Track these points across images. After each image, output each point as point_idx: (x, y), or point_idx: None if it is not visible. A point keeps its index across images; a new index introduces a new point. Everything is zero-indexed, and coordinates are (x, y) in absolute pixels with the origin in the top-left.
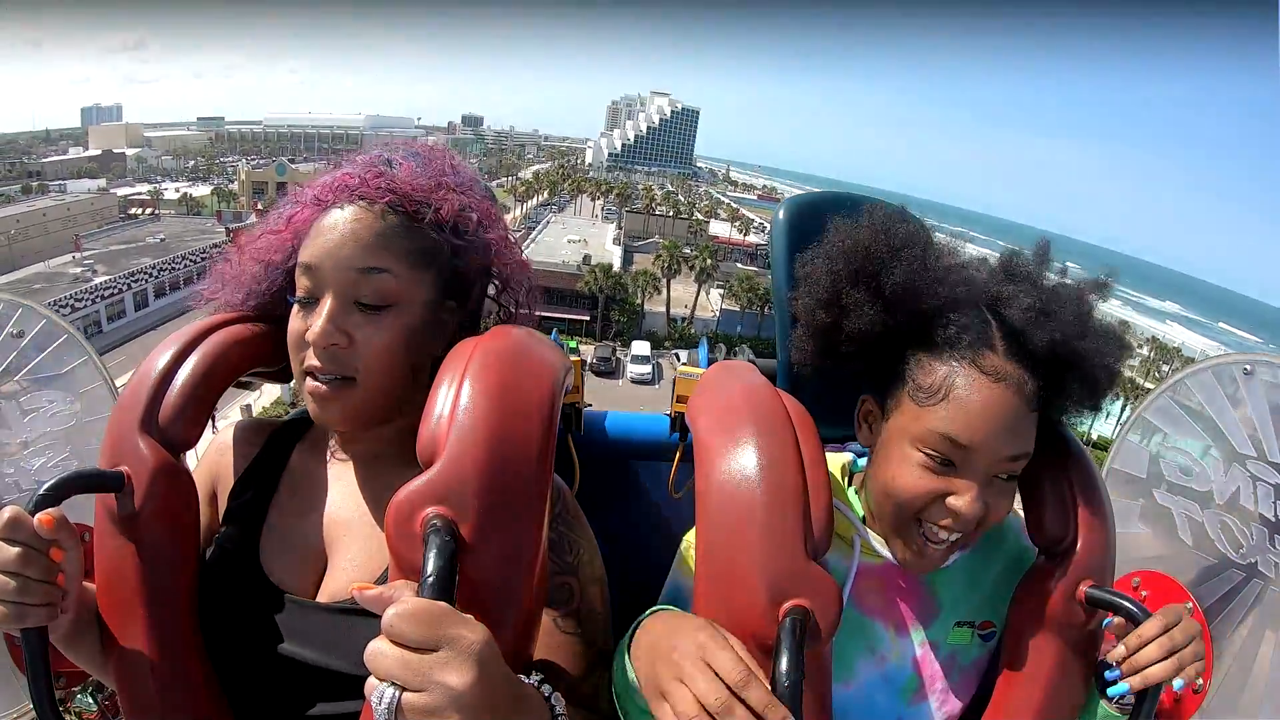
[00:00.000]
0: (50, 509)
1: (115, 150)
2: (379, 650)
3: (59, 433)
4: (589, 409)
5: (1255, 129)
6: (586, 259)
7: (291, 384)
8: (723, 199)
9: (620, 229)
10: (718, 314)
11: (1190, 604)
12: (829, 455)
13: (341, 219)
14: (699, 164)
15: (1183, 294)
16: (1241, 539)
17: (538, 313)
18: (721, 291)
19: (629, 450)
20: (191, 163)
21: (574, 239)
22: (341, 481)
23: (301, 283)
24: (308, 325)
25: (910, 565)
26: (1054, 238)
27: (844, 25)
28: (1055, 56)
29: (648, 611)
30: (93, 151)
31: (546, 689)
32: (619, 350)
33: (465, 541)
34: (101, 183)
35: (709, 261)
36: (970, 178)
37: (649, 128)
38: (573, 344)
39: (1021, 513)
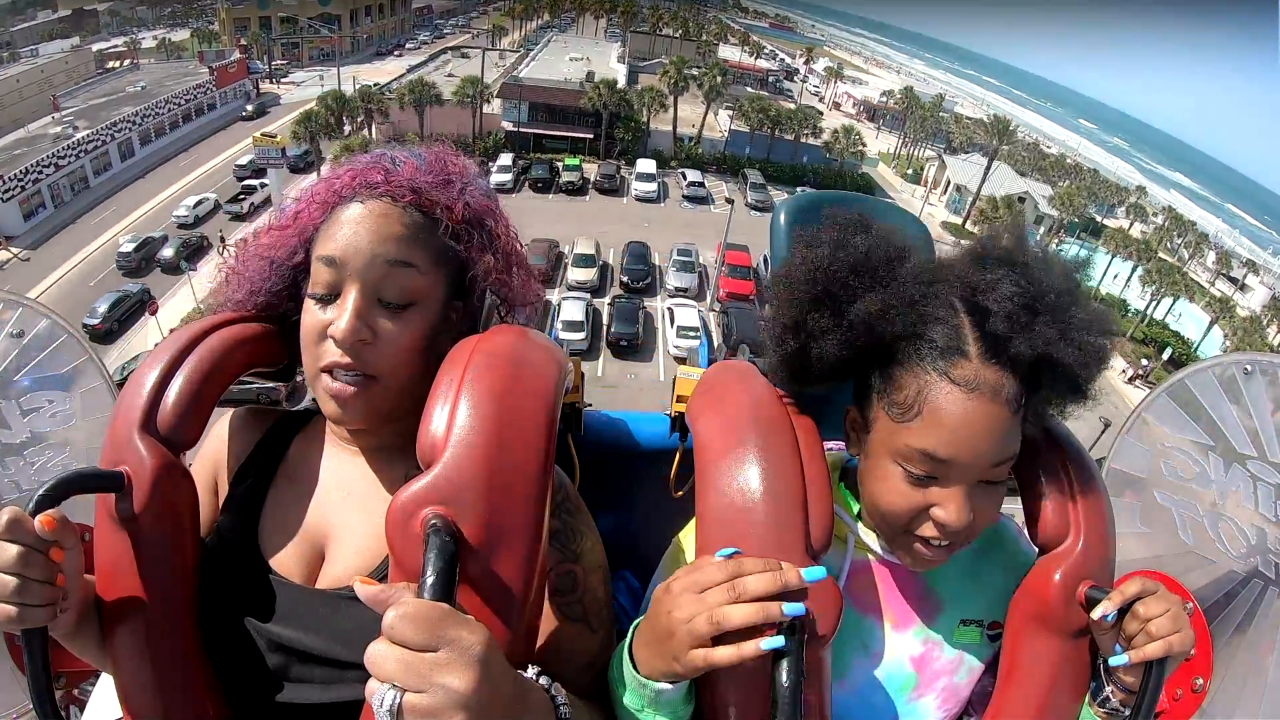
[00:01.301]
0: (50, 509)
1: (87, 8)
2: (379, 652)
3: (59, 433)
4: (589, 409)
5: None
6: (590, 76)
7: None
8: (732, 25)
9: (625, 48)
10: (726, 134)
11: (1190, 604)
12: None
13: (367, 212)
14: None
15: (1192, 168)
16: (1241, 539)
17: (536, 298)
18: (730, 112)
19: (629, 450)
20: (169, 9)
21: (576, 57)
22: (341, 470)
23: (322, 276)
24: (328, 320)
25: (917, 566)
26: (1061, 90)
27: None
28: None
29: (635, 622)
30: (63, 12)
31: (545, 681)
32: (623, 169)
33: (466, 542)
34: (75, 41)
35: (718, 79)
36: (998, 27)
37: None
38: (574, 161)
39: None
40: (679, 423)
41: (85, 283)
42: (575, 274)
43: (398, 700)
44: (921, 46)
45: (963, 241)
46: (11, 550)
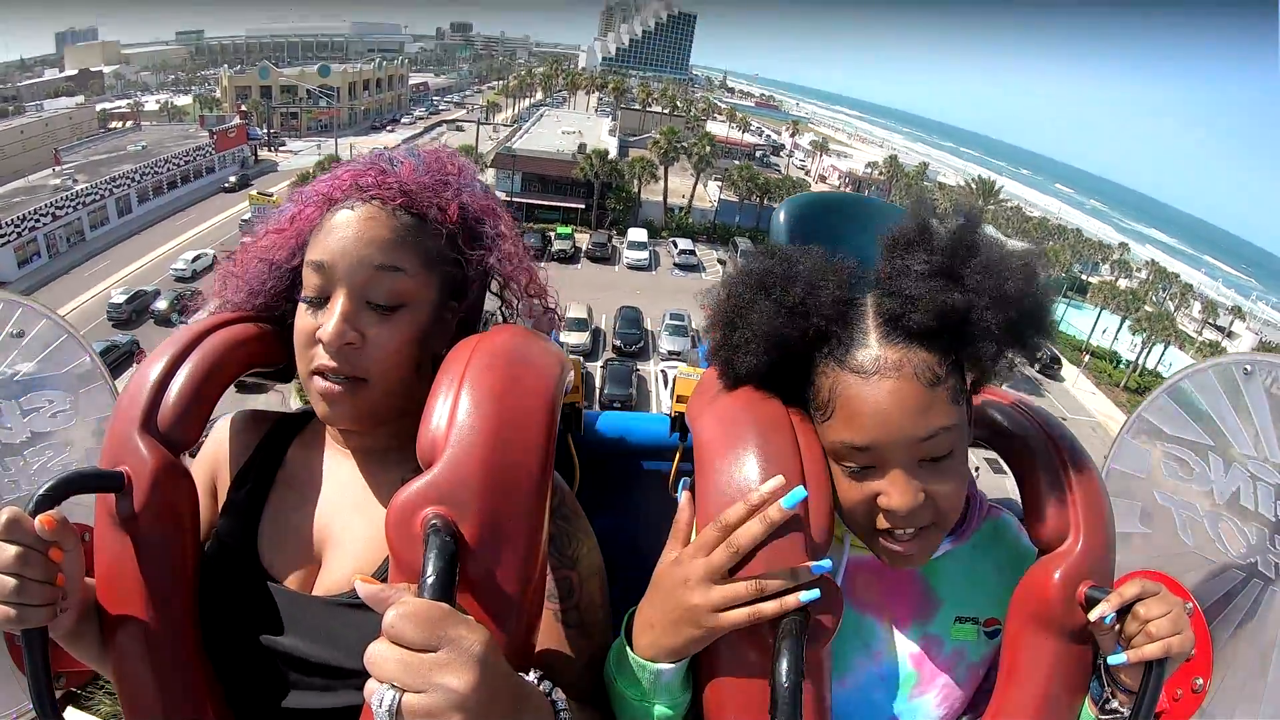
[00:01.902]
0: (50, 509)
1: (93, 69)
2: (379, 652)
3: (59, 433)
4: (589, 409)
5: (1249, 72)
6: (581, 147)
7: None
8: (720, 104)
9: (616, 123)
10: (715, 204)
11: (1190, 604)
12: None
13: (355, 217)
14: (695, 72)
15: (1167, 223)
16: (1241, 539)
17: (530, 245)
18: (719, 183)
19: (629, 450)
20: (172, 77)
21: (569, 130)
22: (339, 475)
23: (311, 280)
24: (318, 324)
25: (896, 564)
26: (1036, 157)
27: None
28: None
29: (630, 611)
30: (69, 72)
31: (546, 685)
32: (615, 238)
33: (465, 542)
34: (80, 99)
35: (707, 149)
36: (963, 98)
37: (644, 32)
38: (566, 230)
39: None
40: (679, 422)
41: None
42: (567, 338)
43: (397, 700)
44: (900, 121)
45: None
46: (11, 550)
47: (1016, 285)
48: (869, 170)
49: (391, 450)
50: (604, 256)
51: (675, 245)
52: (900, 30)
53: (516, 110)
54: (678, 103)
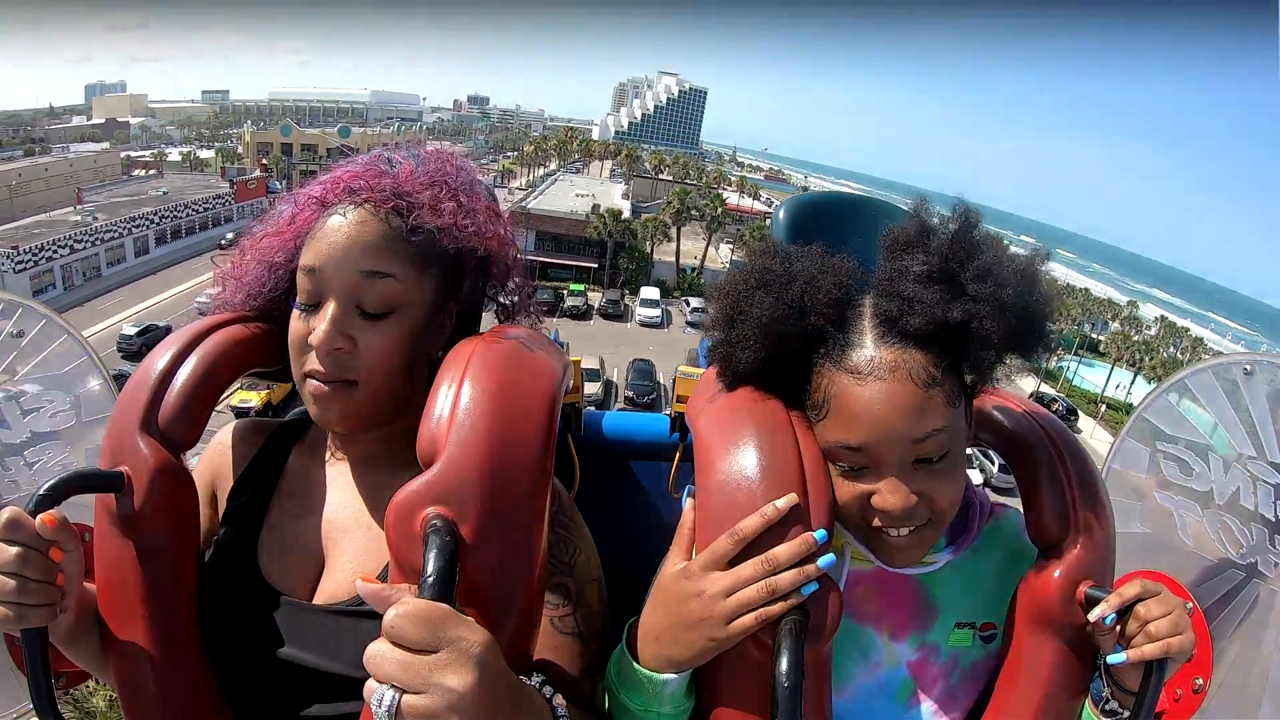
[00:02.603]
0: (50, 509)
1: (119, 119)
2: (379, 652)
3: (59, 433)
4: (589, 409)
5: (1246, 123)
6: (595, 208)
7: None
8: (730, 176)
9: (629, 188)
10: (728, 264)
11: (1190, 604)
12: None
13: (344, 222)
14: (705, 147)
15: (1170, 284)
16: (1241, 539)
17: (537, 305)
18: (731, 246)
19: (629, 450)
20: (196, 133)
21: (582, 194)
22: (339, 482)
23: (303, 286)
24: (309, 328)
25: (893, 562)
26: (1039, 225)
27: (855, 15)
28: (1055, 55)
29: (630, 621)
30: (97, 120)
31: (548, 690)
32: (627, 297)
33: (465, 541)
34: (105, 146)
35: (719, 210)
36: (973, 168)
37: (656, 106)
38: (579, 288)
39: (1021, 511)
40: (679, 422)
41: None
42: None
43: (396, 700)
44: (904, 193)
45: None
46: (11, 551)
47: (1016, 291)
48: None
49: (391, 455)
50: (616, 314)
51: (688, 303)
52: (902, 103)
53: (531, 178)
54: (689, 171)
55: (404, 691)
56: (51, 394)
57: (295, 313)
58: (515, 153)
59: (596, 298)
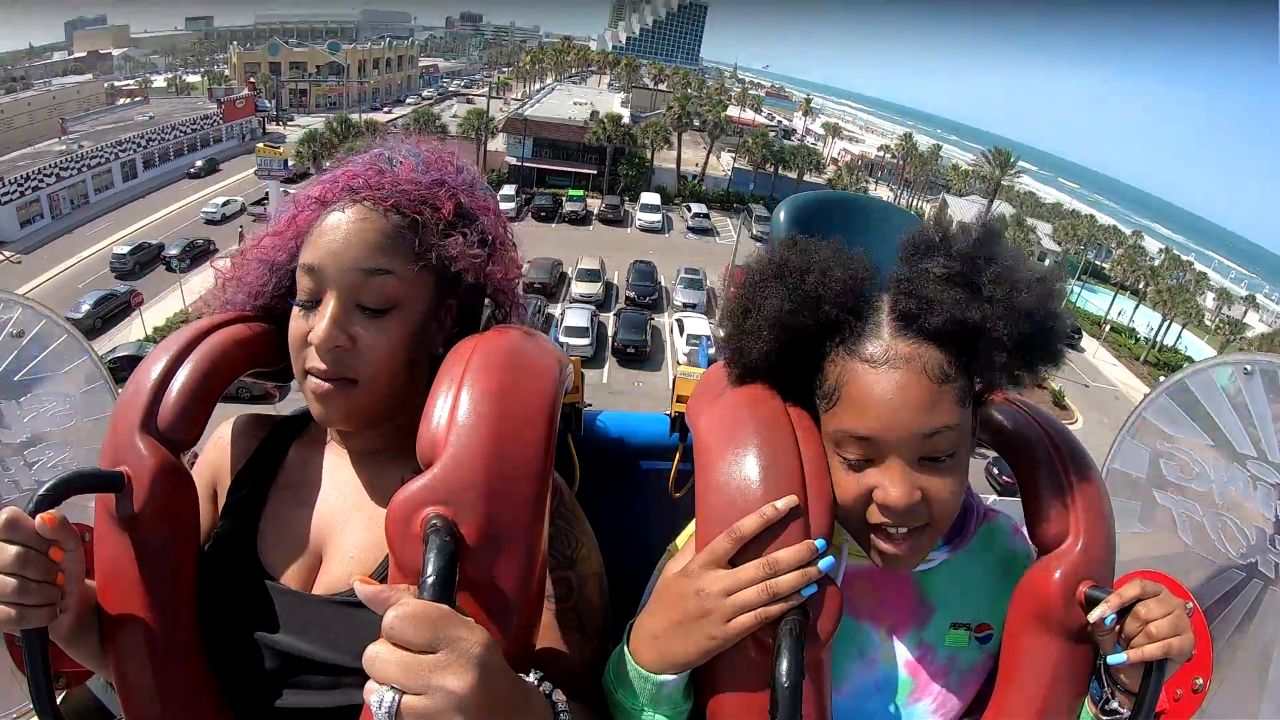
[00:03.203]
0: (50, 509)
1: (102, 51)
2: (378, 654)
3: (59, 433)
4: (589, 409)
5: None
6: (594, 115)
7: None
8: (731, 90)
9: (628, 97)
10: (729, 172)
11: (1190, 604)
12: None
13: (344, 220)
14: (705, 63)
15: (1173, 222)
16: (1241, 539)
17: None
18: (732, 154)
19: (629, 450)
20: (181, 60)
21: (580, 102)
22: (339, 476)
23: (303, 284)
24: (310, 326)
25: (888, 566)
26: (1043, 155)
27: None
28: None
29: (630, 622)
30: (79, 54)
31: (547, 687)
32: (627, 203)
33: (465, 541)
34: (88, 78)
35: (722, 115)
36: (971, 94)
37: (655, 21)
38: (578, 193)
39: (1018, 513)
40: (679, 422)
41: (75, 284)
42: (579, 288)
43: (396, 702)
44: (906, 115)
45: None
46: (11, 551)
47: (1031, 299)
48: (881, 154)
49: (390, 450)
50: (616, 219)
51: (689, 209)
52: (908, 26)
53: (528, 91)
54: (690, 83)
55: (404, 693)
56: (51, 394)
57: (295, 310)
58: (510, 67)
59: (596, 204)
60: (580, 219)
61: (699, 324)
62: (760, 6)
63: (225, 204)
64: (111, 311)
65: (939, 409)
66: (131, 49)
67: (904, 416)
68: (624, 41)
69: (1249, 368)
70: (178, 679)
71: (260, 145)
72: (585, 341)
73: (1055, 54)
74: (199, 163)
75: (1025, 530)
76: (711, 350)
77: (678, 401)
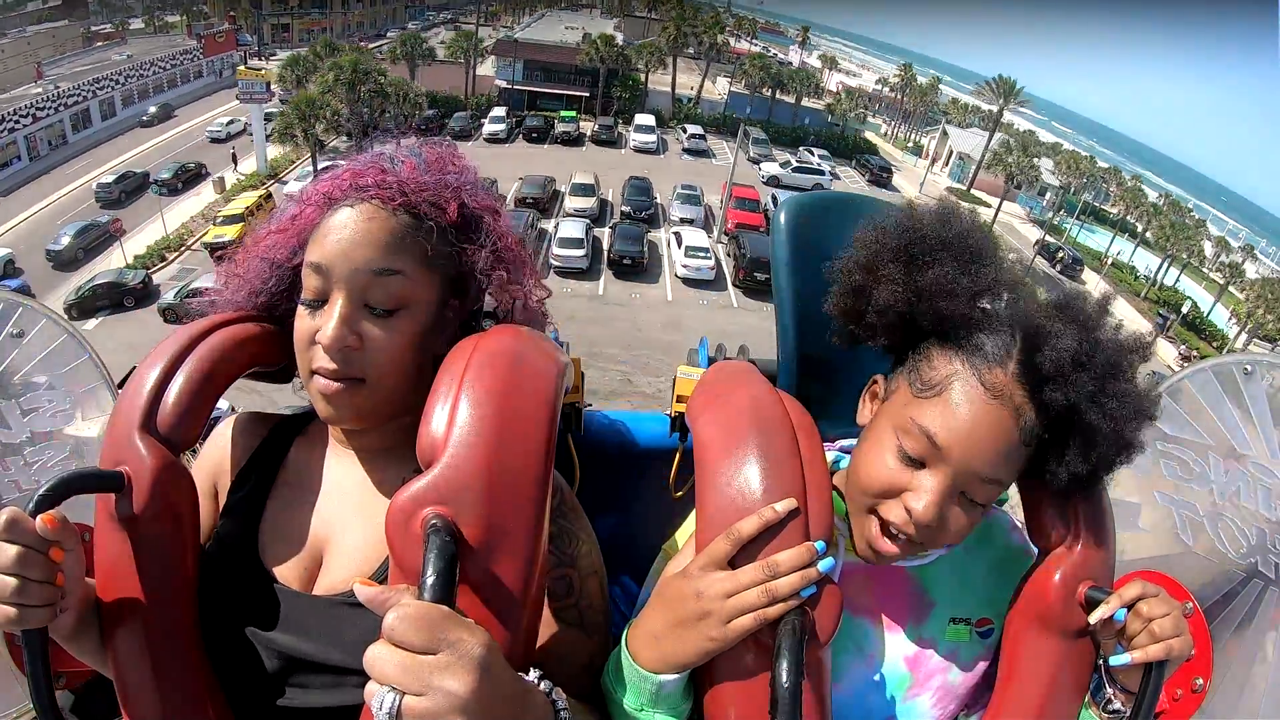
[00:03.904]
0: (50, 509)
1: None
2: (379, 655)
3: (59, 433)
4: (589, 409)
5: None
6: (586, 36)
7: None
8: (726, 22)
9: (620, 22)
10: (725, 96)
11: (1190, 604)
12: None
13: (353, 218)
14: None
15: (1169, 174)
16: (1241, 539)
17: (536, 282)
18: (729, 79)
19: (629, 450)
20: (159, 2)
21: (572, 26)
22: (340, 475)
23: (310, 283)
24: (317, 326)
25: (877, 561)
26: (1037, 100)
27: None
28: None
29: (629, 622)
30: (53, 1)
31: (547, 685)
32: (621, 126)
33: (465, 542)
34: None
35: (718, 37)
36: (984, 46)
37: None
38: (570, 114)
39: (1014, 510)
40: (679, 423)
41: (54, 220)
42: (573, 202)
43: (397, 703)
44: (902, 56)
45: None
46: (11, 551)
47: (1136, 431)
48: (879, 88)
49: (393, 450)
50: (610, 140)
51: (685, 130)
52: None
53: (518, 20)
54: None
55: (404, 694)
56: (51, 394)
57: (301, 309)
58: (497, 5)
59: (589, 127)
60: (573, 140)
61: (698, 236)
62: None
63: (230, 123)
64: (93, 242)
65: (1009, 463)
66: None
67: (982, 449)
68: None
69: (1249, 368)
70: (178, 678)
71: (241, 68)
72: (580, 253)
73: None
74: (151, 109)
75: (1023, 529)
76: (712, 350)
77: (678, 401)
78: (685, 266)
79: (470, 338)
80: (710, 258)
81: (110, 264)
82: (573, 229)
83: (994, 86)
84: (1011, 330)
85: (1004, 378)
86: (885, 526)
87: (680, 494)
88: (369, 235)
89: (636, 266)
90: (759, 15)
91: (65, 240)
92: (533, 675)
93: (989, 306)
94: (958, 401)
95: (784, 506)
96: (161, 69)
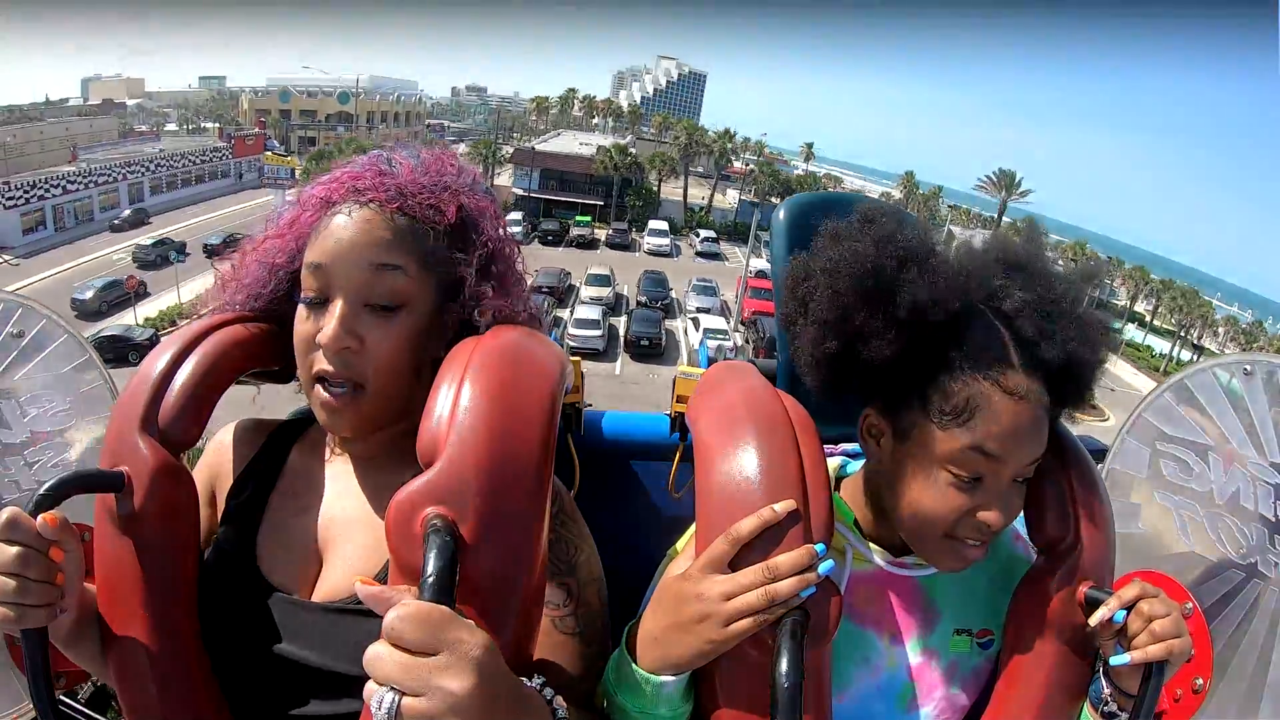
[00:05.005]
0: (50, 509)
1: (116, 100)
2: (378, 655)
3: (59, 433)
4: (589, 409)
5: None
6: (599, 149)
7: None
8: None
9: (632, 139)
10: (735, 205)
11: (1190, 604)
12: None
13: (351, 220)
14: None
15: (1165, 272)
16: (1241, 539)
17: (534, 304)
18: (738, 190)
19: (629, 450)
20: (193, 113)
21: (585, 143)
22: (339, 481)
23: (309, 282)
24: (317, 328)
25: (952, 568)
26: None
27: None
28: (1049, 48)
29: (629, 625)
30: (93, 101)
31: (549, 693)
32: (634, 232)
33: (465, 541)
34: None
35: (728, 146)
36: (971, 163)
37: (655, 90)
38: (585, 219)
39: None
40: (679, 422)
41: (73, 280)
42: (589, 291)
43: (396, 703)
44: (892, 181)
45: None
46: (11, 551)
47: (1107, 350)
48: (882, 199)
49: (392, 455)
50: (623, 244)
51: (698, 235)
52: (901, 97)
53: (532, 138)
54: (694, 133)
55: (404, 694)
56: (51, 394)
57: (301, 312)
58: (516, 135)
59: (603, 233)
60: (587, 243)
61: (716, 320)
62: (756, 74)
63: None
64: (118, 298)
65: (1045, 437)
66: (145, 100)
67: (1029, 447)
68: (625, 110)
69: (1249, 368)
70: (177, 679)
71: (268, 154)
72: (597, 333)
73: (1038, 112)
74: (125, 213)
75: (1025, 535)
76: (712, 350)
77: (678, 401)
78: (705, 346)
79: (470, 338)
80: (729, 339)
81: (133, 321)
82: (589, 311)
83: (995, 180)
84: (986, 314)
85: (1018, 375)
86: (965, 544)
87: (680, 494)
88: (370, 234)
89: (654, 348)
90: (765, 145)
91: (90, 293)
92: (535, 682)
93: (965, 299)
94: (995, 415)
95: (784, 507)
96: (191, 162)
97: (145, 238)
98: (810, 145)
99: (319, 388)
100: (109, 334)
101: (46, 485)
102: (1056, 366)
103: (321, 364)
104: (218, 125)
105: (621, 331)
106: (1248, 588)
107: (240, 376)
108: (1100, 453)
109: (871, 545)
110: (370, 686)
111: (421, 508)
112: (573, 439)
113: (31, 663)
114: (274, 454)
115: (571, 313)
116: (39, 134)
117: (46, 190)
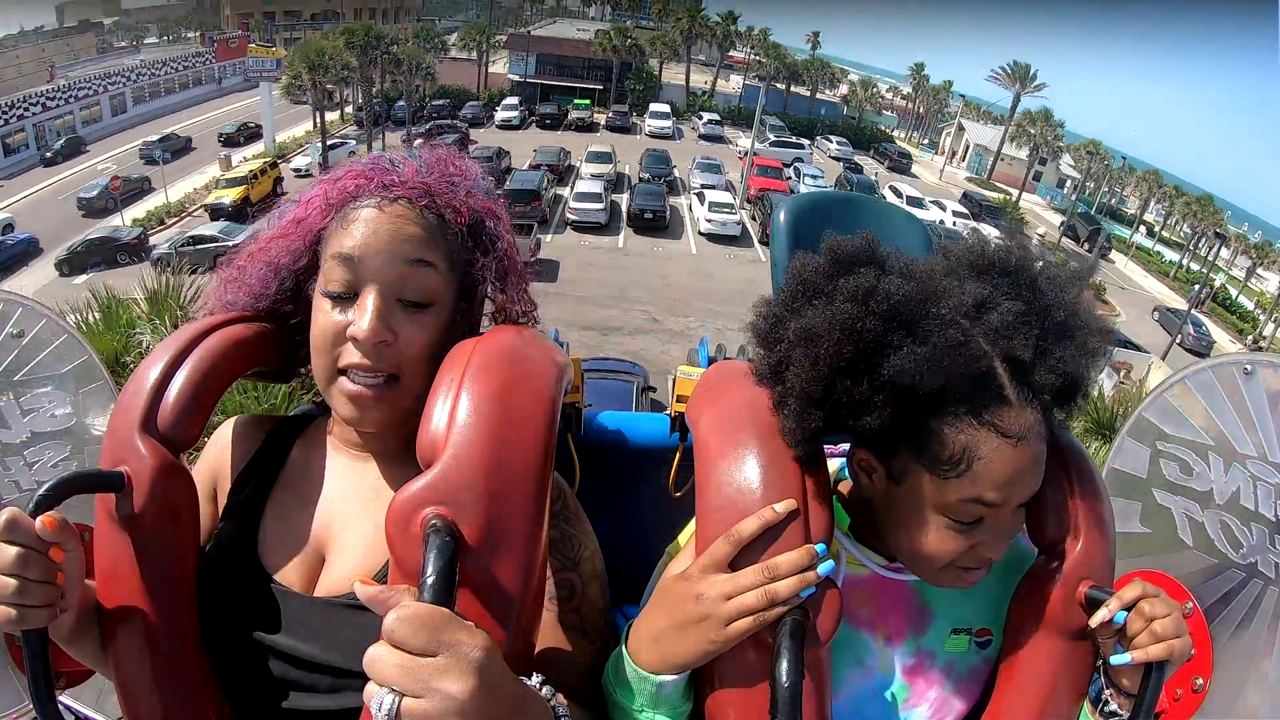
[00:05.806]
0: (50, 509)
1: (93, 20)
2: (378, 656)
3: (59, 433)
4: (589, 409)
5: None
6: (597, 34)
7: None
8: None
9: (632, 23)
10: (739, 89)
11: (1190, 604)
12: None
13: (384, 212)
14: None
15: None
16: (1241, 539)
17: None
18: (741, 76)
19: (629, 450)
20: (173, 20)
21: (583, 29)
22: (340, 476)
23: (337, 274)
24: (346, 321)
25: (955, 586)
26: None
27: None
28: None
29: (628, 624)
30: (68, 24)
31: (548, 691)
32: (635, 116)
33: (465, 542)
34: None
35: (732, 27)
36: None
37: None
38: (584, 102)
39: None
40: (679, 423)
41: (57, 196)
42: (589, 168)
43: (396, 704)
44: (898, 80)
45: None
46: (11, 552)
47: (1101, 356)
48: (889, 95)
49: (394, 451)
50: (624, 126)
51: (701, 117)
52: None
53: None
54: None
55: (404, 695)
56: (51, 394)
57: (324, 304)
58: (510, 27)
59: (603, 117)
60: (586, 126)
61: (722, 195)
62: None
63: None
64: (126, 192)
65: (1042, 469)
66: (123, 18)
67: (1030, 484)
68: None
69: (1249, 368)
70: (178, 679)
71: (252, 45)
72: (598, 206)
73: (1067, 34)
74: (57, 145)
75: (1024, 535)
76: (712, 350)
77: (678, 401)
78: (710, 221)
79: (469, 338)
80: (735, 214)
81: (120, 223)
82: (590, 185)
83: (1010, 71)
84: (981, 349)
85: (1013, 413)
86: (967, 570)
87: (680, 494)
88: (404, 228)
89: (657, 222)
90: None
91: (96, 191)
92: (534, 680)
93: (968, 346)
94: (993, 463)
95: (784, 507)
96: (173, 70)
97: (151, 135)
98: (817, 33)
99: (344, 380)
100: (96, 236)
101: (46, 485)
102: (1055, 388)
103: (351, 356)
104: (200, 32)
105: (624, 206)
106: (1248, 588)
107: (240, 376)
108: (1124, 344)
109: (866, 551)
110: (370, 688)
111: (421, 508)
112: (573, 439)
113: (32, 663)
114: (276, 450)
115: (572, 186)
116: (15, 59)
117: (26, 109)
